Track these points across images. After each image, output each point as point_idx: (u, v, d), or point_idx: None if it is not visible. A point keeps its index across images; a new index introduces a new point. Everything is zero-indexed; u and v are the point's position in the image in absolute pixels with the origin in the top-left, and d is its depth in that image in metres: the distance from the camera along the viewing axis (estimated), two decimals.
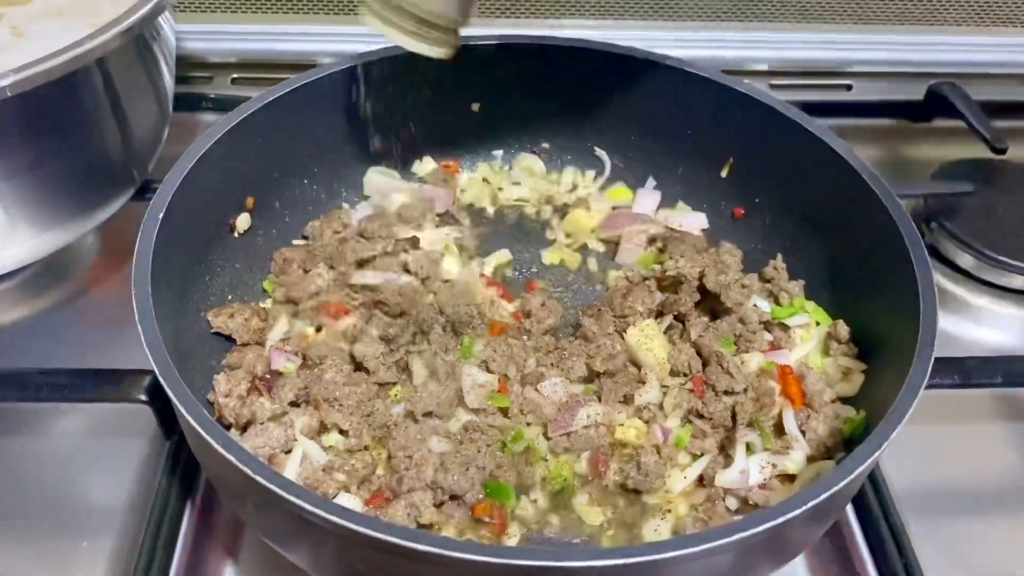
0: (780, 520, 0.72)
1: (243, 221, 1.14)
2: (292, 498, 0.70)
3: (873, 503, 1.00)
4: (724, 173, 1.25)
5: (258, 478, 0.71)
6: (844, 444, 0.98)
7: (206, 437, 0.74)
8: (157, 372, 0.79)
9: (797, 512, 0.72)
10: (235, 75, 1.60)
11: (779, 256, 1.17)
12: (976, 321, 1.28)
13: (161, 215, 0.93)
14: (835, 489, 0.74)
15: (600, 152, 1.33)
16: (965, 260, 1.31)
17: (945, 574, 0.97)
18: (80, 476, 1.04)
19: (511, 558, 0.67)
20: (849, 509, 1.01)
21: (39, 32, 1.08)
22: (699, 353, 1.07)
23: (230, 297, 1.11)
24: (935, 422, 1.09)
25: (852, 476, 0.76)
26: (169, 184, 0.97)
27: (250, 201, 1.15)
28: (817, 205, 1.13)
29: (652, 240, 1.25)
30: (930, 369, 0.84)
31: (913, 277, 0.93)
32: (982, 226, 1.31)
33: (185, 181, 0.98)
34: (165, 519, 0.96)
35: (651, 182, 1.31)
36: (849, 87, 1.65)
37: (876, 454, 0.77)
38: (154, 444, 1.05)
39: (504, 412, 1.01)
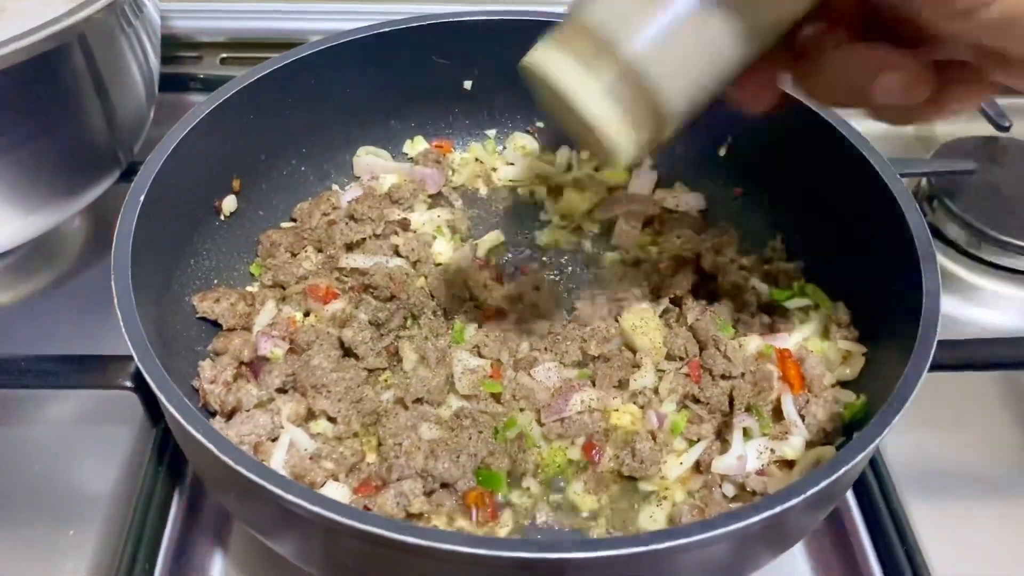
0: (779, 508, 0.70)
1: (229, 203, 1.12)
2: (275, 489, 0.68)
3: (873, 486, 0.99)
4: (722, 152, 1.23)
5: (240, 468, 0.69)
6: (844, 429, 0.96)
7: (187, 427, 0.73)
8: (137, 361, 0.78)
9: (797, 500, 0.70)
10: (224, 55, 1.59)
11: (778, 237, 1.15)
12: (978, 302, 1.27)
13: (142, 198, 0.91)
14: (836, 476, 0.73)
15: None
16: (968, 240, 1.29)
17: (946, 557, 0.96)
18: (67, 463, 1.03)
19: (500, 550, 0.65)
20: (848, 492, 1.00)
21: (19, 8, 1.06)
22: (696, 337, 1.04)
23: (216, 281, 1.09)
24: (935, 404, 1.07)
25: (853, 463, 0.74)
26: (150, 166, 0.95)
27: (236, 183, 1.13)
28: (817, 185, 1.11)
29: (648, 221, 1.22)
30: (933, 353, 0.82)
31: (915, 258, 0.91)
32: (985, 205, 1.29)
33: (167, 163, 0.96)
34: (152, 507, 0.95)
35: (647, 161, 1.29)
36: None
37: (878, 440, 0.76)
38: (142, 431, 1.04)
39: (496, 398, 0.99)
